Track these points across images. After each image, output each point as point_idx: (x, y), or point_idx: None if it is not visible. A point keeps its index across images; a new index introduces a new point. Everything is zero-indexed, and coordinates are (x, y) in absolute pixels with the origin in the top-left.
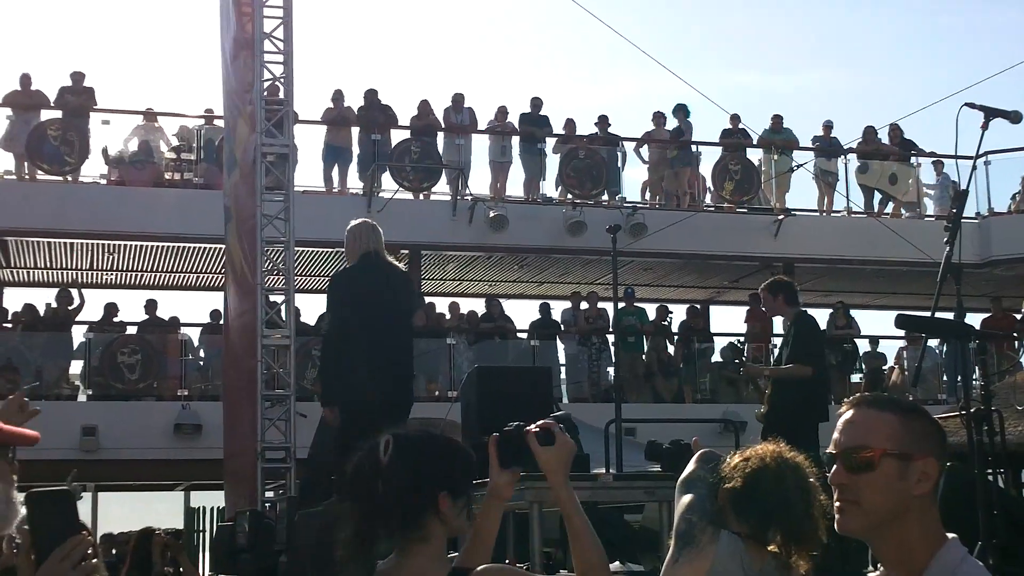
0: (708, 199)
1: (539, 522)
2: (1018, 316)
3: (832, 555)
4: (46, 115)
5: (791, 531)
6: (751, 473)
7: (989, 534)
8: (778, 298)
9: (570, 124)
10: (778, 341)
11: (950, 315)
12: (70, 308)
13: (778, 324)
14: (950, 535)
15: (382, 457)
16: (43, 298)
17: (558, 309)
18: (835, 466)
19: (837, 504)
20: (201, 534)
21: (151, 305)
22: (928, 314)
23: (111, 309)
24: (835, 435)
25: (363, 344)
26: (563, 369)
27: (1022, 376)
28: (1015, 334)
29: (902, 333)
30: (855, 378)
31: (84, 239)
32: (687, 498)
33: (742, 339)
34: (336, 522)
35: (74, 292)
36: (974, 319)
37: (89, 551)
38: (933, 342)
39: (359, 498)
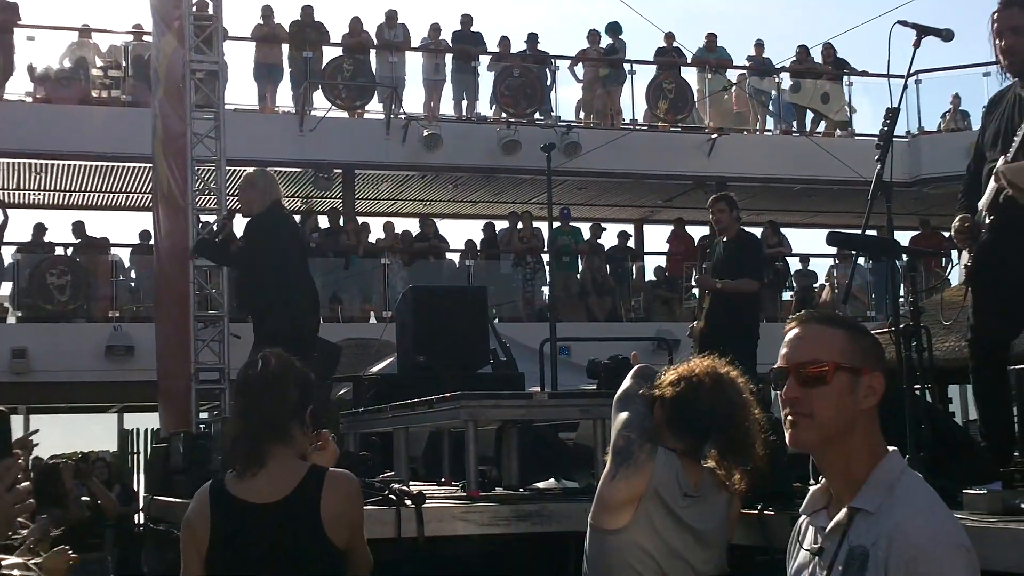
0: (641, 118)
1: (474, 440)
2: (946, 234)
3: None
4: None
5: (727, 446)
6: (686, 389)
7: (916, 447)
8: (733, 212)
9: (504, 42)
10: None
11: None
12: None
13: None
14: (891, 448)
15: (268, 371)
16: None
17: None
18: (787, 381)
19: (789, 418)
20: (135, 455)
21: (79, 227)
22: (859, 232)
23: (39, 229)
24: (784, 350)
25: (294, 279)
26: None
27: (950, 293)
28: (943, 252)
29: (833, 251)
30: (786, 296)
31: (9, 158)
32: (624, 415)
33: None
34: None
35: None
36: (903, 237)
37: (19, 475)
38: (863, 260)
39: (251, 403)
